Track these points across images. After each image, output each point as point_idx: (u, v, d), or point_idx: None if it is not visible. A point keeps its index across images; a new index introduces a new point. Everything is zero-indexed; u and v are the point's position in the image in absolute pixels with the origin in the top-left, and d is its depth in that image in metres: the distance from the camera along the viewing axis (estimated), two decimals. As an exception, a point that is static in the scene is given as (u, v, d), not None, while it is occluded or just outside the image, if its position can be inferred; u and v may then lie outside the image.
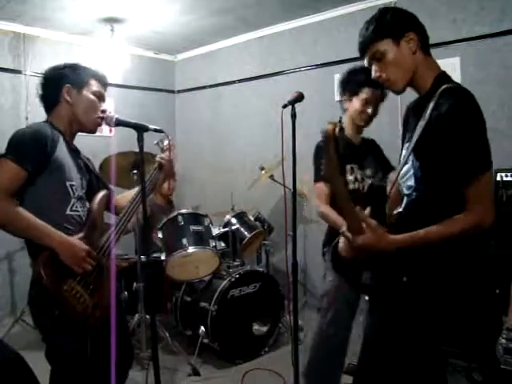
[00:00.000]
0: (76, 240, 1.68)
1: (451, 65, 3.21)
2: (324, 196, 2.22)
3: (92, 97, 1.82)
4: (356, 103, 2.25)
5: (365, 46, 1.49)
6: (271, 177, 3.69)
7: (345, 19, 3.82)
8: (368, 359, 1.57)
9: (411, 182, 1.48)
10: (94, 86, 1.84)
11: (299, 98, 1.90)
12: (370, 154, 2.39)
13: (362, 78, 2.18)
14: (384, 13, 1.48)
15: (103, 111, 1.84)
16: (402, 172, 1.53)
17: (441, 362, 1.52)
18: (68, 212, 1.74)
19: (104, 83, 1.89)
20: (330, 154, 1.26)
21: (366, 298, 1.58)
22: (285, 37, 4.32)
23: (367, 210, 1.45)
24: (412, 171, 1.48)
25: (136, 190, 1.88)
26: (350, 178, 2.27)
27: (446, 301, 1.51)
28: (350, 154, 2.29)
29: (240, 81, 4.72)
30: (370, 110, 2.24)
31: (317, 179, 2.29)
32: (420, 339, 1.45)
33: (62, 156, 1.73)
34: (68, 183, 1.74)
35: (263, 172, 3.74)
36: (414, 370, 1.47)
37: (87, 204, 1.85)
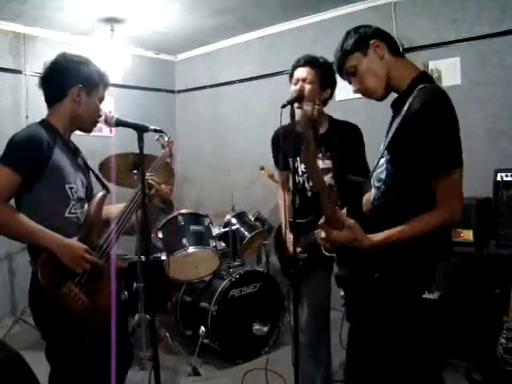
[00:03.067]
0: (74, 241, 1.68)
1: (451, 65, 3.17)
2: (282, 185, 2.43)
3: (98, 102, 1.84)
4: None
5: (339, 67, 1.60)
6: (271, 177, 3.68)
7: (345, 19, 3.81)
8: (352, 363, 1.61)
9: (382, 175, 1.53)
10: (101, 91, 1.84)
11: (299, 97, 1.90)
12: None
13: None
14: (347, 33, 1.58)
15: (100, 115, 1.85)
16: (378, 165, 1.58)
17: (421, 359, 1.55)
18: (67, 215, 1.74)
19: (108, 87, 1.89)
20: (308, 138, 1.27)
21: (342, 293, 1.59)
22: (285, 37, 4.32)
23: (344, 210, 1.49)
24: (384, 165, 1.52)
25: (123, 205, 1.86)
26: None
27: (419, 297, 1.54)
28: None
29: (240, 81, 4.72)
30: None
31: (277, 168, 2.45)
32: (394, 336, 1.48)
33: (60, 159, 1.72)
34: (67, 186, 1.74)
35: (263, 172, 3.74)
36: (393, 370, 1.50)
37: (86, 205, 1.84)
